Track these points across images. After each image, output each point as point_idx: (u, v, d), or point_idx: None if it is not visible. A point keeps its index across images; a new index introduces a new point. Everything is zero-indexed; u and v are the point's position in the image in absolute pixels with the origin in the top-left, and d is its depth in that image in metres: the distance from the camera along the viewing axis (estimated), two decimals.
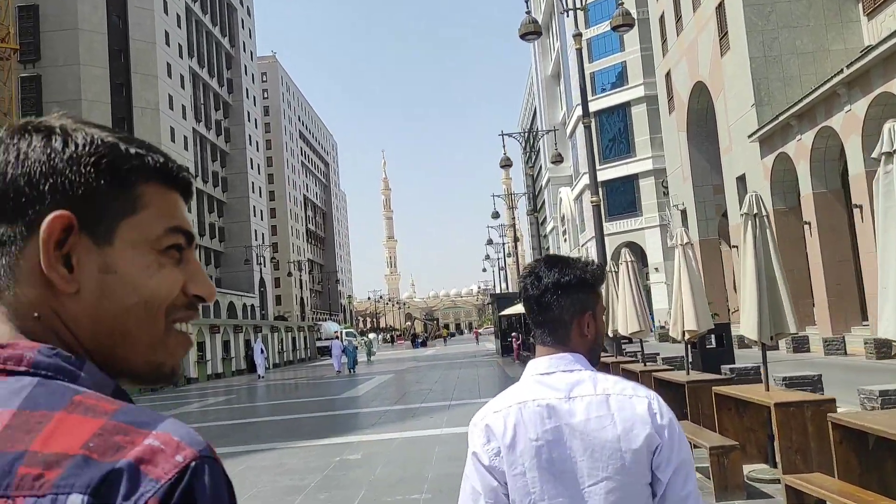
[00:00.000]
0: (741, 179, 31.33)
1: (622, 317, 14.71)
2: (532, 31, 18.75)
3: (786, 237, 25.19)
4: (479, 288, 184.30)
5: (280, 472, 8.91)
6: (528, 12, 19.16)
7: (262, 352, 37.80)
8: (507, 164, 35.36)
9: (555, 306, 1.73)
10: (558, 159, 35.59)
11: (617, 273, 15.35)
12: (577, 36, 18.82)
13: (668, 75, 40.79)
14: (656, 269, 62.96)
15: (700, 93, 35.93)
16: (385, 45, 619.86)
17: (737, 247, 32.84)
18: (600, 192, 64.62)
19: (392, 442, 10.72)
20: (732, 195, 32.66)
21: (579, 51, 18.91)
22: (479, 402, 15.69)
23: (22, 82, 54.57)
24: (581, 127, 63.73)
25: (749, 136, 28.94)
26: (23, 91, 54.76)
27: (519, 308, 31.73)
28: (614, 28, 19.19)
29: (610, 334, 15.68)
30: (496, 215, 52.70)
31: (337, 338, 41.51)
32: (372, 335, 60.12)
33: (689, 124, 38.15)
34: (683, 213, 40.78)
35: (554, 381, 1.71)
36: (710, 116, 35.83)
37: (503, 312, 34.42)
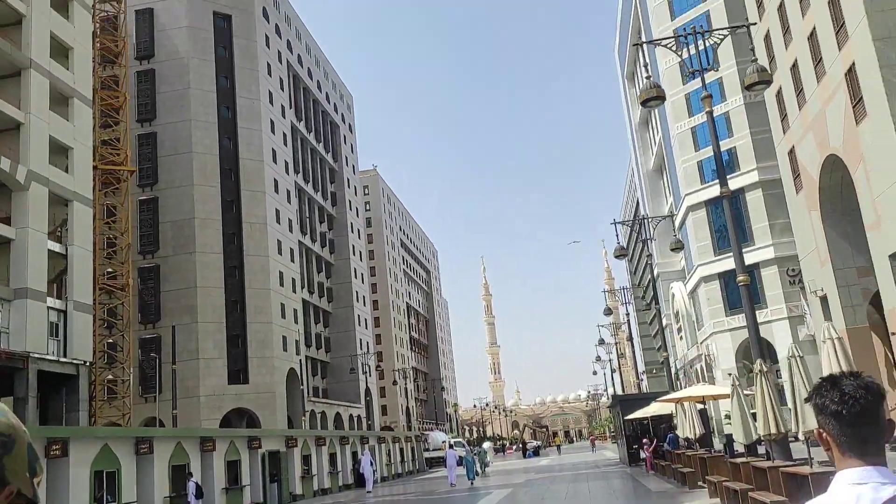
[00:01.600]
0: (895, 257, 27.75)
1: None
2: (655, 97, 16.88)
3: None
4: (588, 393, 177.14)
5: None
6: (649, 77, 17.35)
7: (371, 464, 35.63)
8: (622, 254, 33.04)
9: (881, 419, 1.81)
10: (678, 246, 32.94)
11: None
12: (707, 98, 16.83)
13: (791, 152, 37.94)
14: (779, 368, 57.81)
15: (832, 167, 32.87)
16: (481, 161, 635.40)
17: (895, 334, 28.88)
18: (718, 284, 60.28)
19: None
20: (886, 276, 28.96)
21: (710, 113, 16.86)
22: None
23: (140, 204, 56.72)
24: (691, 219, 60.84)
25: None
26: (140, 212, 56.85)
27: (650, 410, 28.55)
28: (748, 87, 17.06)
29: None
30: (608, 311, 49.73)
31: (451, 448, 38.86)
32: (487, 444, 56.76)
33: (821, 202, 34.88)
34: (823, 299, 36.83)
35: (868, 490, 1.73)
36: (846, 192, 32.57)
37: (629, 416, 31.17)
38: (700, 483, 18.03)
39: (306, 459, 35.79)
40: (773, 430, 12.60)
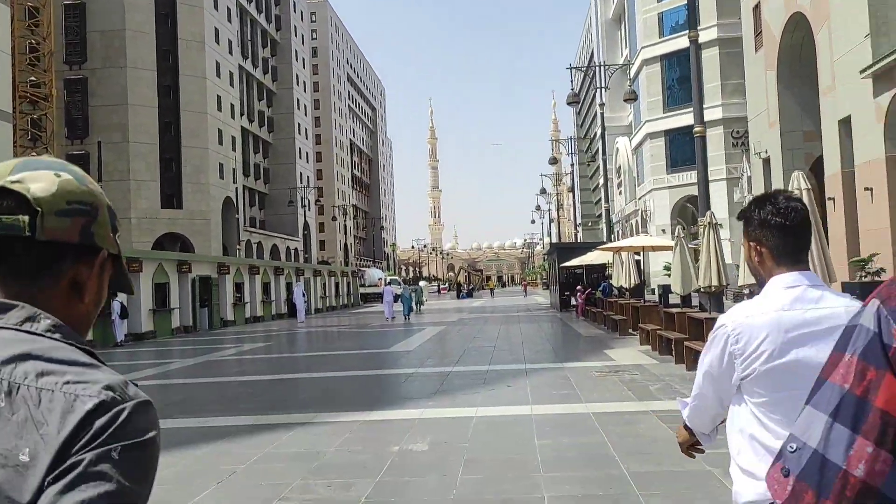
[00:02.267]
0: (845, 123, 27.53)
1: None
2: None
3: None
4: (524, 241, 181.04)
5: (314, 469, 6.22)
6: None
7: (303, 295, 35.58)
8: (574, 100, 32.04)
9: (808, 231, 2.01)
10: (632, 97, 32.08)
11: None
12: None
13: (756, 7, 36.59)
14: (720, 224, 58.94)
15: (797, 26, 31.85)
16: None
17: (833, 198, 29.26)
18: (664, 141, 60.03)
19: (468, 422, 7.98)
20: (832, 141, 28.89)
21: None
22: (560, 367, 13.30)
23: (65, 10, 52.34)
24: (645, 73, 59.64)
25: (861, 72, 25.06)
26: (66, 18, 52.56)
27: (587, 259, 28.75)
28: None
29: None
30: (553, 161, 49.34)
31: (389, 284, 39.37)
32: (423, 283, 57.57)
33: (779, 63, 34.13)
34: (766, 162, 36.97)
35: (800, 293, 1.93)
36: (806, 53, 31.80)
37: (564, 264, 31.44)
38: (631, 330, 18.25)
39: (239, 287, 35.47)
40: (715, 283, 12.45)
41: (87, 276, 1.01)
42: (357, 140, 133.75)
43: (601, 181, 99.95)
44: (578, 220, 67.12)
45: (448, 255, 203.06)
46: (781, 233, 1.98)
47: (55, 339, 0.94)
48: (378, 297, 65.57)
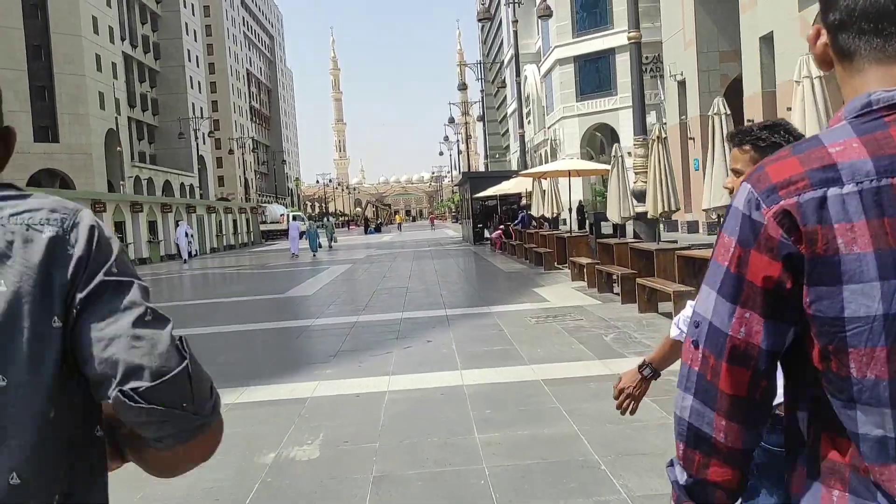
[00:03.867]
0: (766, 40, 26.23)
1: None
2: None
3: (837, 103, 20.35)
4: (432, 174, 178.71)
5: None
6: None
7: (186, 234, 32.46)
8: (486, 17, 29.55)
9: None
10: (547, 13, 29.76)
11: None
12: None
13: None
14: (629, 152, 58.19)
15: None
16: None
17: (752, 121, 28.16)
18: (573, 68, 58.19)
19: (378, 402, 5.79)
20: (753, 60, 27.61)
21: None
22: (487, 312, 10.75)
23: None
24: None
25: None
26: None
27: (503, 188, 26.80)
28: None
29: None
30: (463, 86, 46.82)
31: (294, 220, 36.96)
32: (332, 219, 54.81)
33: None
34: (681, 84, 35.70)
35: None
36: None
37: (478, 195, 29.44)
38: (557, 265, 16.47)
39: (119, 226, 31.92)
40: (664, 208, 10.64)
41: (5, 151, 1.07)
42: (255, 70, 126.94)
43: (509, 111, 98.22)
44: (489, 150, 65.20)
45: (355, 189, 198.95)
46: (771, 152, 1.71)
47: None
48: (281, 235, 62.44)
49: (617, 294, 11.13)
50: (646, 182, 14.54)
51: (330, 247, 37.60)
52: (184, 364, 0.96)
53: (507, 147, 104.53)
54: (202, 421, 0.98)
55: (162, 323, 0.98)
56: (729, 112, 10.92)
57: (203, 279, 22.97)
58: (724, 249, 1.01)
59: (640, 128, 14.51)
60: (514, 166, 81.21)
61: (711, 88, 33.89)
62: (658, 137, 10.71)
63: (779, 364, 1.04)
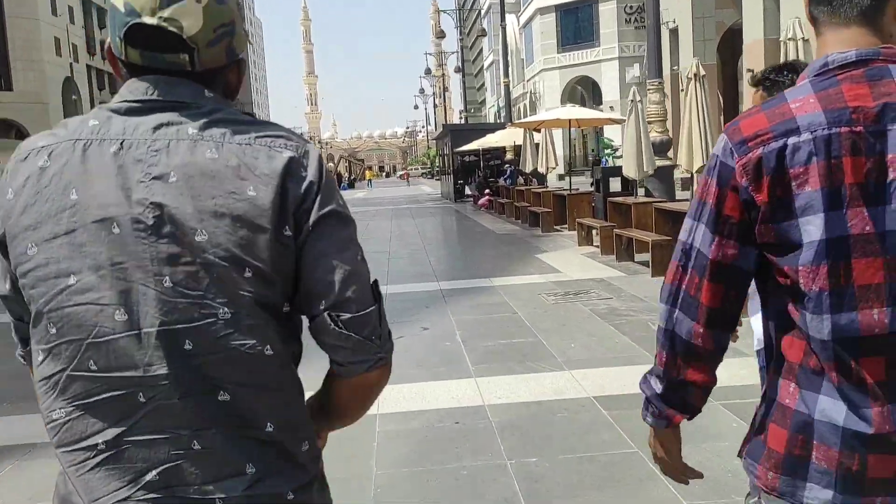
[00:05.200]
0: None
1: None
2: None
3: None
4: (406, 129, 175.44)
5: None
6: None
7: None
8: None
9: None
10: None
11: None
12: None
13: None
14: (612, 107, 56.44)
15: None
16: None
17: (752, 70, 26.46)
18: (554, 17, 55.74)
19: (365, 436, 4.00)
20: (755, 4, 25.73)
21: None
22: (489, 286, 8.52)
23: None
24: None
25: None
26: None
27: (488, 141, 24.90)
28: None
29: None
30: (441, 34, 44.49)
31: None
32: None
33: None
34: (674, 32, 33.78)
35: None
36: None
37: (461, 148, 27.50)
38: (556, 227, 14.75)
39: None
40: (704, 161, 8.92)
41: (236, 82, 1.20)
42: None
43: (486, 63, 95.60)
44: (462, 107, 62.97)
45: (327, 144, 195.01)
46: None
47: (231, 111, 1.13)
48: None
49: (641, 263, 9.44)
50: (662, 132, 12.85)
51: None
52: (378, 304, 1.15)
53: (483, 101, 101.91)
54: (383, 355, 1.17)
55: (367, 264, 1.15)
56: (704, 73, 9.42)
57: None
58: (706, 188, 1.24)
59: (655, 69, 12.68)
60: (492, 120, 78.98)
61: (706, 36, 32.06)
62: (696, 76, 8.93)
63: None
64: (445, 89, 73.22)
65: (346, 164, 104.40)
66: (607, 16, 54.44)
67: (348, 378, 1.17)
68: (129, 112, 1.10)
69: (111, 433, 1.04)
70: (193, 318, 1.03)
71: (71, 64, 54.72)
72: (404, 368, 5.40)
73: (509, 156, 25.27)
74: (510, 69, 75.98)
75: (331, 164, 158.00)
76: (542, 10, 57.46)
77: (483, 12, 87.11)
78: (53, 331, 1.06)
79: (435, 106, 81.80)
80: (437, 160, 53.23)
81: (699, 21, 31.74)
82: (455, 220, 20.67)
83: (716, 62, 31.82)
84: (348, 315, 1.09)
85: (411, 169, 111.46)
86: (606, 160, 54.46)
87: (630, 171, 10.93)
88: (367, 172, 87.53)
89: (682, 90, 31.08)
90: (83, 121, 1.11)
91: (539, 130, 19.41)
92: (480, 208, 23.61)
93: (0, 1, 49.85)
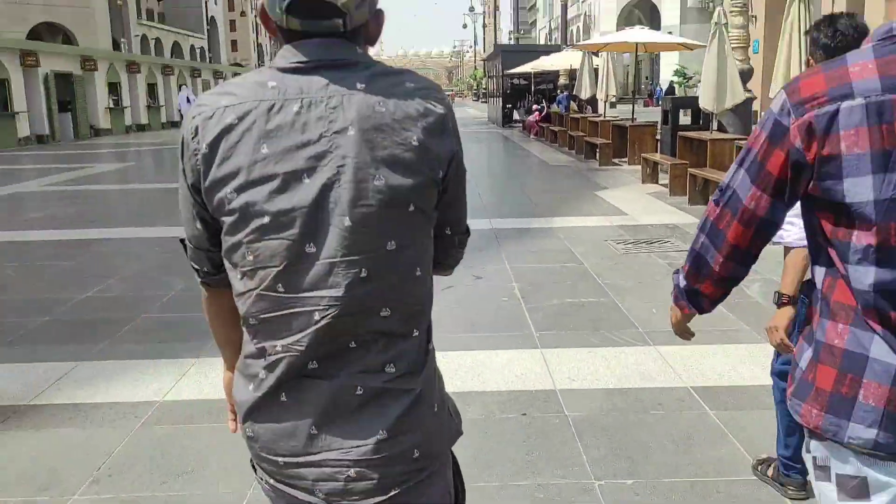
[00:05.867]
0: None
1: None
2: None
3: None
4: (453, 48, 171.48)
5: None
6: None
7: (188, 100, 29.53)
8: None
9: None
10: None
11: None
12: None
13: None
14: (670, 32, 53.87)
15: None
16: None
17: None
18: None
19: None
20: None
21: None
22: (547, 227, 7.48)
23: None
24: None
25: None
26: None
27: (540, 64, 23.53)
28: None
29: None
30: None
31: None
32: None
33: None
34: None
35: None
36: None
37: (512, 70, 26.12)
38: (615, 160, 13.68)
39: (114, 88, 28.95)
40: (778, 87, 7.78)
41: (375, 30, 1.34)
42: None
43: None
44: (518, 23, 60.80)
45: None
46: (826, 54, 2.30)
47: (382, 65, 1.29)
48: None
49: None
50: (742, 60, 11.57)
51: None
52: (468, 230, 1.47)
53: (534, 23, 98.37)
54: (463, 255, 1.49)
55: None
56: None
57: None
58: (756, 140, 1.29)
59: None
60: (542, 42, 76.14)
61: None
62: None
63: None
64: (496, 8, 70.35)
65: None
66: None
67: (444, 271, 1.47)
68: (297, 71, 1.24)
69: (288, 341, 1.25)
70: (366, 250, 1.21)
71: None
72: (456, 331, 4.58)
73: (563, 80, 23.91)
74: None
75: None
76: None
77: None
78: (250, 258, 1.24)
79: (484, 26, 79.14)
80: (484, 82, 51.35)
81: None
82: (503, 148, 19.59)
83: None
84: (463, 238, 1.44)
85: (457, 90, 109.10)
86: (661, 90, 52.21)
87: (707, 104, 9.76)
88: None
89: (753, 16, 28.90)
90: (260, 83, 1.24)
91: (597, 54, 18.09)
92: (530, 134, 22.46)
93: None
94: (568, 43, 32.65)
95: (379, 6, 1.33)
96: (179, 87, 33.41)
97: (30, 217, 9.55)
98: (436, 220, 1.32)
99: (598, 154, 14.07)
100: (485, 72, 48.09)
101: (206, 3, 66.50)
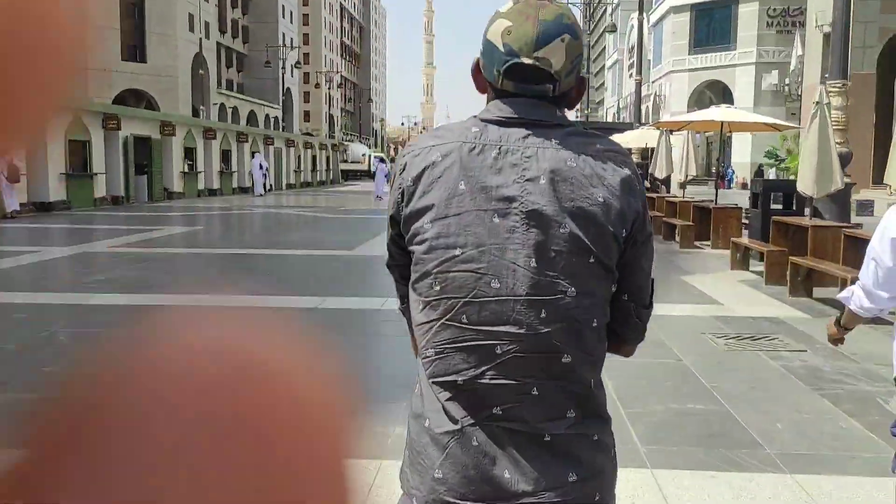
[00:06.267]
0: None
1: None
2: None
3: None
4: None
5: None
6: None
7: (261, 167, 29.97)
8: None
9: None
10: None
11: None
12: None
13: None
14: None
15: None
16: None
17: None
18: (689, 17, 52.68)
19: None
20: None
21: None
22: None
23: None
24: None
25: None
26: None
27: (623, 139, 23.11)
28: None
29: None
30: None
31: (382, 162, 34.31)
32: None
33: None
34: (827, 37, 30.77)
35: None
36: None
37: None
38: (697, 243, 12.95)
39: (190, 153, 29.64)
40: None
41: (577, 96, 1.41)
42: (348, 5, 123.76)
43: (608, 62, 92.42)
44: (588, 101, 60.84)
45: None
46: None
47: (578, 127, 1.36)
48: (361, 175, 59.92)
49: (821, 301, 7.63)
50: (842, 142, 10.85)
51: None
52: (651, 304, 1.45)
53: (601, 101, 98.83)
54: (644, 335, 1.48)
55: None
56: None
57: (274, 221, 20.04)
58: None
59: (840, 69, 10.75)
60: (610, 120, 76.19)
61: (867, 42, 29.08)
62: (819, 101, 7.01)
63: None
64: None
65: None
66: (747, 17, 51.24)
67: (624, 346, 1.47)
68: (500, 123, 1.33)
69: (469, 374, 1.28)
70: (548, 292, 1.26)
71: (201, 40, 55.96)
72: None
73: (635, 159, 23.41)
74: (634, 69, 73.25)
75: None
76: (676, 9, 54.67)
77: (611, 10, 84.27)
78: (437, 288, 1.29)
79: None
80: None
81: (860, 25, 28.76)
82: None
83: (875, 71, 28.86)
84: (645, 312, 1.43)
85: None
86: (733, 171, 50.90)
87: (807, 188, 9.06)
88: None
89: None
90: (465, 127, 1.34)
91: (672, 132, 17.61)
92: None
93: None
94: (642, 122, 32.24)
95: (582, 75, 1.41)
96: (252, 154, 34.10)
97: (92, 279, 9.34)
98: (616, 280, 1.35)
99: (678, 235, 13.37)
100: None
101: (283, 74, 68.82)
